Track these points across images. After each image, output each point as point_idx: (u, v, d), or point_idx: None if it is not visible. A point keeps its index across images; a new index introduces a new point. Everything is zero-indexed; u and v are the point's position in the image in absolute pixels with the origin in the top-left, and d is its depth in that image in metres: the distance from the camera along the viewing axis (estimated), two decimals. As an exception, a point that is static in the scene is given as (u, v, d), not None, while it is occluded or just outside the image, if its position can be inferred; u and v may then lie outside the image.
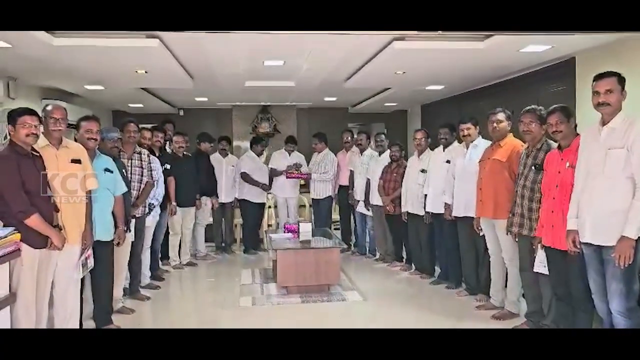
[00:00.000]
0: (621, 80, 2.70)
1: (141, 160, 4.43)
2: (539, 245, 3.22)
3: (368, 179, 5.87)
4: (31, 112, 2.89)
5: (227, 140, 6.59)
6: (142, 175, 4.40)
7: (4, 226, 2.78)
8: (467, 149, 4.33)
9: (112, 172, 3.64)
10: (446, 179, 4.57)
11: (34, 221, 2.81)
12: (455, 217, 4.43)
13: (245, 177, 6.38)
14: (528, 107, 3.56)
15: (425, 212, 4.90)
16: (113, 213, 3.64)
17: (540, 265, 3.21)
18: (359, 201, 6.04)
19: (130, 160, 4.31)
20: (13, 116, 2.86)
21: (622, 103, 2.71)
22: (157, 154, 4.99)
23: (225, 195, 6.33)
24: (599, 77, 2.74)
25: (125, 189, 3.79)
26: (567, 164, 2.99)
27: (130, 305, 4.23)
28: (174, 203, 5.18)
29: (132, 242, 4.15)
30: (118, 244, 3.73)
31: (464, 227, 4.35)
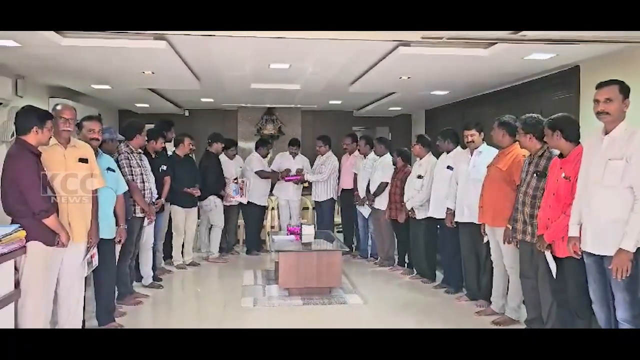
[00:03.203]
0: (623, 89, 2.66)
1: (141, 160, 4.48)
2: (545, 245, 3.08)
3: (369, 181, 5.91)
4: (50, 117, 2.95)
5: (235, 144, 6.61)
6: (142, 175, 4.42)
7: (12, 222, 2.82)
8: (471, 155, 4.34)
9: (114, 171, 3.71)
10: (449, 184, 4.58)
11: (52, 220, 2.86)
12: (457, 222, 4.44)
13: (262, 173, 6.49)
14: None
15: (425, 217, 4.93)
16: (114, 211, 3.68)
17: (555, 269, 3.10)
18: (360, 197, 6.05)
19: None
20: (42, 118, 2.88)
21: (626, 112, 2.67)
22: (152, 156, 4.97)
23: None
24: (600, 85, 2.72)
25: (126, 188, 3.86)
26: (563, 175, 3.00)
27: (125, 310, 4.16)
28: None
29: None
30: (119, 241, 3.78)
31: (465, 233, 4.36)
